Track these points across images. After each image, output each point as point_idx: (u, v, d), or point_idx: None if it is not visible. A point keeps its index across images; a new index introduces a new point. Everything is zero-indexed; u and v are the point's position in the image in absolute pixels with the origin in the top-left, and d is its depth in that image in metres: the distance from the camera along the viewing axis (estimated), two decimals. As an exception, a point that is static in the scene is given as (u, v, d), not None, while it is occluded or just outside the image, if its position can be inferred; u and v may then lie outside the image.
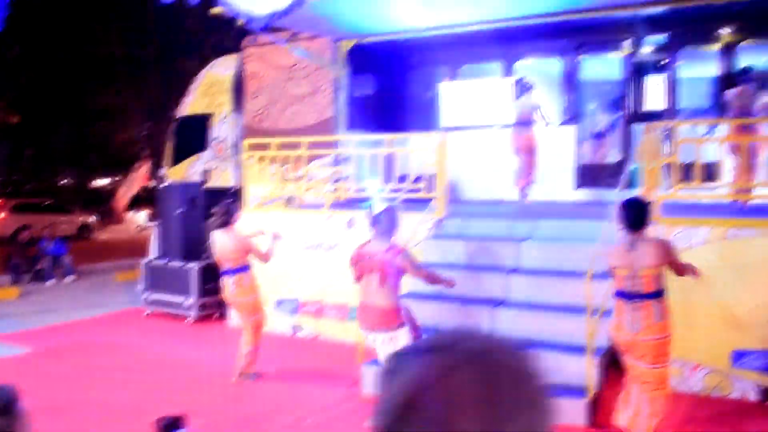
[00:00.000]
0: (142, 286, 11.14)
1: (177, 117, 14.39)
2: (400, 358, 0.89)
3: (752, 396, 6.87)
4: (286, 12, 8.39)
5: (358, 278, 6.03)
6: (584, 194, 10.58)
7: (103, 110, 27.37)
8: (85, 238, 26.93)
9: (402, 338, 5.82)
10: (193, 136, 13.76)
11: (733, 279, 6.93)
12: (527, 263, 7.59)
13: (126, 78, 21.49)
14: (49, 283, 14.92)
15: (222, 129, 13.20)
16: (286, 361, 8.39)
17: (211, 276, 10.52)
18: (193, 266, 10.43)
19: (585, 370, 6.13)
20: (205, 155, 13.57)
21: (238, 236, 7.51)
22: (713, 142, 8.35)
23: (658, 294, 5.14)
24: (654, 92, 11.19)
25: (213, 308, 10.59)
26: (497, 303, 7.23)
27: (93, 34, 21.34)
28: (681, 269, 5.38)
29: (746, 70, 8.56)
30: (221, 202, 7.65)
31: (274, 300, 9.82)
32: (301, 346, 9.23)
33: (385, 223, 5.94)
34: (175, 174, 13.83)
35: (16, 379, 7.21)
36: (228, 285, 7.46)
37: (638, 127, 9.44)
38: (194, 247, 10.73)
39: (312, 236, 9.58)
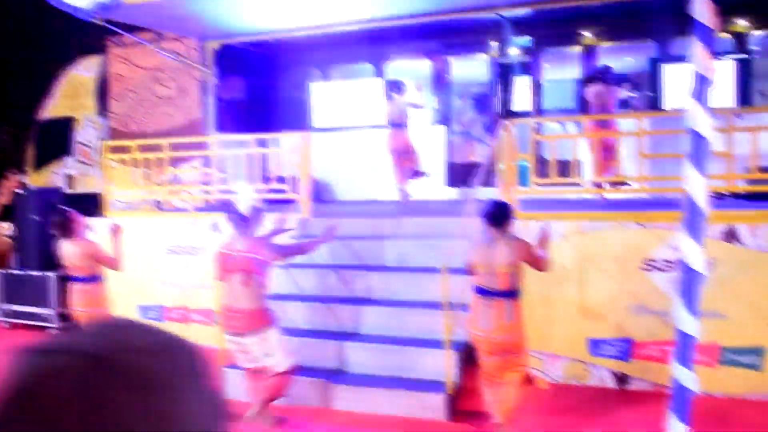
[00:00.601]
0: (0, 297, 10.55)
1: (39, 120, 13.73)
2: (17, 358, 0.80)
3: (609, 383, 7.08)
4: (111, 5, 8.04)
5: (221, 278, 5.94)
6: (454, 192, 10.71)
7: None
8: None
9: (272, 338, 5.80)
10: (56, 140, 13.17)
11: (588, 271, 7.14)
12: (390, 260, 7.60)
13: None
14: None
15: (86, 133, 12.69)
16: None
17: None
18: (52, 276, 9.93)
19: (444, 365, 6.15)
20: (70, 160, 13.01)
21: (84, 244, 7.00)
22: (574, 140, 8.54)
23: (511, 293, 5.24)
24: (520, 93, 11.49)
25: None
26: (361, 301, 7.19)
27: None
28: (539, 263, 5.45)
29: (604, 70, 8.85)
30: (59, 211, 7.25)
31: (137, 306, 9.50)
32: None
33: (247, 222, 5.88)
34: (37, 180, 13.19)
35: None
36: (74, 294, 7.01)
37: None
38: (53, 255, 10.19)
39: (176, 240, 9.31)
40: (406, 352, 6.50)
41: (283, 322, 7.29)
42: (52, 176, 13.03)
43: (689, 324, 2.07)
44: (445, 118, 11.36)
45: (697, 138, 1.98)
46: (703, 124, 2.09)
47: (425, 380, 6.29)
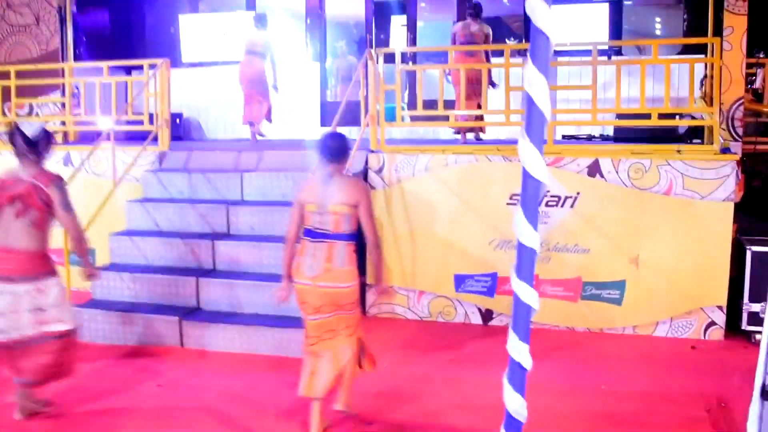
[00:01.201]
0: None
1: None
2: None
3: (475, 319, 7.06)
4: None
5: None
6: (342, 130, 10.39)
7: None
8: None
9: (52, 290, 4.70)
10: None
11: (455, 206, 7.05)
12: (249, 195, 7.28)
13: None
14: None
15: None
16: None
17: None
18: None
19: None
20: None
21: None
22: (441, 74, 8.36)
23: (345, 236, 4.46)
24: (397, 33, 11.26)
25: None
26: (219, 236, 6.86)
27: None
28: (367, 218, 4.49)
29: (474, 6, 8.71)
30: None
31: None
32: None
33: (34, 146, 4.68)
34: None
35: None
36: None
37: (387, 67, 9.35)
38: None
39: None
40: (262, 287, 6.23)
41: (138, 259, 6.94)
42: None
43: (529, 236, 1.89)
44: (320, 55, 11.01)
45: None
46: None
47: (285, 317, 6.06)
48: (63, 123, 9.26)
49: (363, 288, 7.21)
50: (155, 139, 7.96)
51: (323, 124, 10.48)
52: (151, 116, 8.14)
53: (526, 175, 1.90)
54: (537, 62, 1.85)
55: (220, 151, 7.98)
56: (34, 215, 4.61)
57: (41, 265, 4.68)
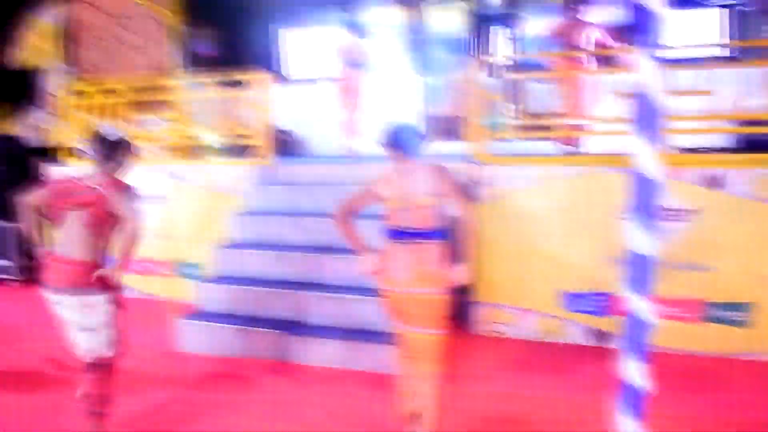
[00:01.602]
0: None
1: (3, 69, 13.18)
2: None
3: (585, 340, 6.71)
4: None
5: (57, 216, 4.37)
6: (436, 147, 10.26)
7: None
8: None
9: (100, 307, 4.30)
10: (22, 90, 12.65)
11: (563, 219, 6.73)
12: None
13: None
14: None
15: (52, 81, 12.17)
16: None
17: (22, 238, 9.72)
18: (10, 226, 9.53)
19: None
20: (36, 110, 12.51)
21: None
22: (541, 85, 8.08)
23: (436, 234, 4.12)
24: (500, 45, 11.01)
25: (35, 271, 9.83)
26: (322, 249, 6.78)
27: None
28: (461, 196, 4.18)
29: (574, 8, 8.38)
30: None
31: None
32: (129, 306, 8.53)
33: (111, 153, 4.42)
34: (2, 131, 12.69)
35: None
36: None
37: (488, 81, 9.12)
38: (13, 205, 9.81)
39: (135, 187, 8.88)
40: (365, 302, 6.09)
41: (241, 271, 6.93)
42: (21, 127, 12.53)
43: (644, 245, 1.65)
44: (421, 69, 10.88)
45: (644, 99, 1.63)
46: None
47: (389, 333, 5.88)
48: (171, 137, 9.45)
49: (467, 306, 7.00)
50: (259, 153, 7.99)
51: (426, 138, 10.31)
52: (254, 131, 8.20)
53: (639, 177, 1.66)
54: (646, 47, 1.62)
55: (322, 165, 7.93)
56: (98, 224, 4.30)
57: (90, 278, 4.25)
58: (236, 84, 9.13)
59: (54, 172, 9.52)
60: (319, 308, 6.30)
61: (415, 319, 4.12)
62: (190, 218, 7.61)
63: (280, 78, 11.10)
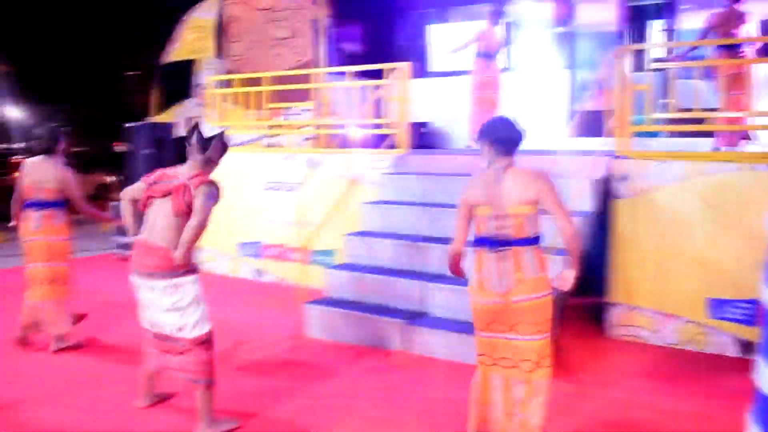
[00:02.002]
0: (114, 230, 10.78)
1: (162, 64, 13.93)
2: None
3: (730, 350, 6.22)
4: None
5: (146, 203, 4.57)
6: (580, 143, 9.88)
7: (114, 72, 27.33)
8: (103, 198, 26.84)
9: (189, 288, 4.49)
10: (178, 83, 13.31)
11: (712, 220, 6.27)
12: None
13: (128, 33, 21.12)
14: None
15: (205, 75, 12.70)
16: (245, 305, 7.96)
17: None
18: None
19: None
20: (190, 102, 13.12)
21: (61, 167, 6.38)
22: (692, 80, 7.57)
23: (531, 240, 3.87)
24: (654, 39, 10.48)
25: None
26: (450, 241, 6.62)
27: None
28: (557, 209, 3.83)
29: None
30: (48, 126, 6.68)
31: (237, 243, 9.41)
32: (262, 291, 8.78)
33: (204, 146, 4.58)
34: (159, 120, 13.40)
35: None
36: (33, 219, 6.23)
37: (638, 75, 8.68)
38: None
39: (275, 176, 9.09)
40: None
41: (370, 260, 6.93)
42: (174, 118, 13.18)
43: None
44: (569, 64, 10.51)
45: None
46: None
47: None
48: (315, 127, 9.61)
49: (602, 307, 6.67)
50: (394, 143, 7.97)
51: (574, 134, 9.98)
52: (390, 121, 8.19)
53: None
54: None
55: (455, 156, 7.81)
56: (179, 214, 4.43)
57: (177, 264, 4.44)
58: (377, 76, 9.18)
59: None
60: (444, 300, 6.17)
61: (518, 327, 3.86)
62: (325, 206, 7.68)
63: (423, 71, 11.05)
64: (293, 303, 7.26)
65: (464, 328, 5.85)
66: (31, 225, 6.23)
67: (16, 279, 7.24)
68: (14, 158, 34.48)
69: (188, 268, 4.50)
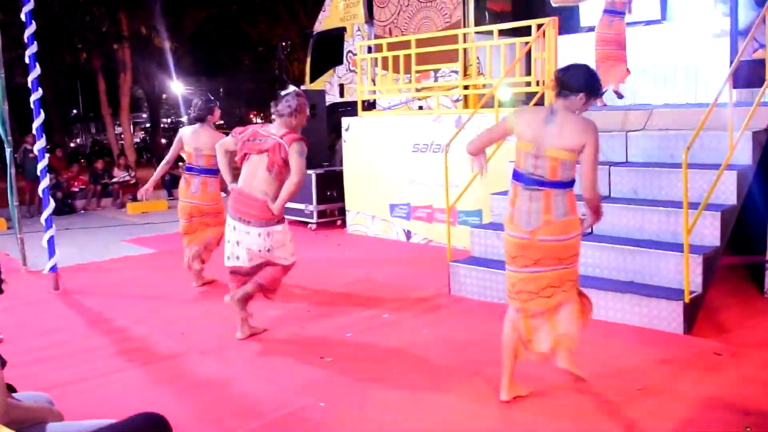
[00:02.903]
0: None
1: (314, 33, 14.29)
2: None
3: None
4: None
5: (243, 158, 5.37)
6: (741, 94, 9.30)
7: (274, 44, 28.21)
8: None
9: (280, 234, 5.31)
10: (329, 50, 13.62)
11: None
12: (635, 156, 6.79)
13: (286, 7, 21.70)
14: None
15: (355, 42, 12.94)
16: (394, 264, 8.18)
17: (330, 184, 10.53)
18: (312, 174, 10.36)
19: (683, 271, 5.31)
20: (341, 69, 13.41)
21: (216, 134, 6.94)
22: None
23: (564, 184, 3.88)
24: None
25: (334, 215, 10.75)
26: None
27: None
28: (588, 168, 3.86)
29: None
30: (202, 96, 7.34)
31: (388, 203, 9.62)
32: (411, 251, 8.96)
33: (288, 104, 5.25)
34: (312, 87, 13.80)
35: (134, 272, 7.57)
36: (192, 183, 7.07)
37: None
38: (314, 155, 10.72)
39: (423, 138, 9.19)
40: (642, 254, 5.75)
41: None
42: (325, 86, 13.54)
43: None
44: (730, 7, 9.83)
45: None
46: None
47: (662, 287, 5.54)
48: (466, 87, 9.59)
49: (762, 266, 6.33)
50: (541, 101, 7.84)
51: (736, 85, 9.39)
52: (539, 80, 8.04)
53: None
54: None
55: (606, 111, 7.57)
56: (276, 169, 5.16)
57: (272, 214, 5.23)
58: (526, 34, 9.02)
59: (354, 123, 10.16)
60: (593, 259, 6.05)
61: (542, 262, 3.94)
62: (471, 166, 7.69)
63: (575, 27, 10.72)
64: (440, 262, 7.37)
65: (615, 286, 5.74)
66: (190, 188, 7.03)
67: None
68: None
69: (281, 217, 5.31)
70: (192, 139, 7.04)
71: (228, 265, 5.48)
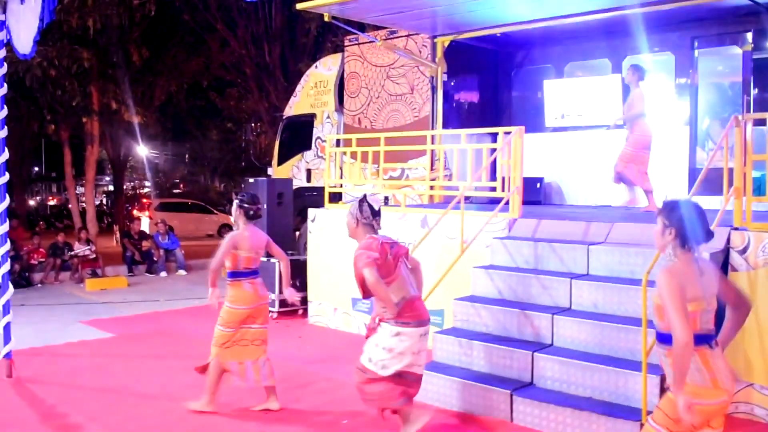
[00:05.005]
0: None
1: (284, 117, 14.50)
2: None
3: None
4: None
5: (392, 272, 5.38)
6: (701, 201, 9.57)
7: (243, 118, 28.51)
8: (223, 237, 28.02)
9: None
10: (298, 135, 13.81)
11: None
12: (596, 269, 6.92)
13: (256, 83, 22.03)
14: (162, 275, 15.49)
15: (325, 129, 13.15)
16: (351, 362, 8.12)
17: (294, 272, 10.48)
18: (276, 262, 10.36)
19: (641, 390, 5.40)
20: (309, 155, 13.57)
21: (261, 232, 6.72)
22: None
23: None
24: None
25: (296, 305, 10.58)
26: (560, 311, 6.60)
27: (224, 43, 22.00)
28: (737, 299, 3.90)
29: None
30: (246, 191, 7.00)
31: (350, 298, 9.62)
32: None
33: (378, 214, 5.67)
34: (280, 173, 13.93)
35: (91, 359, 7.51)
36: (258, 287, 6.47)
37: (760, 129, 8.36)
38: (279, 242, 10.73)
39: (387, 234, 9.26)
40: (601, 371, 5.83)
41: (477, 326, 6.96)
42: (292, 170, 13.67)
43: None
44: (690, 119, 10.24)
45: None
46: None
47: (620, 405, 5.61)
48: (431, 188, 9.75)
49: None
50: (507, 205, 8.00)
51: (693, 192, 9.69)
52: (503, 182, 8.21)
53: None
54: None
55: (569, 221, 7.74)
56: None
57: None
58: (493, 134, 9.26)
59: (320, 215, 10.23)
60: (552, 372, 6.12)
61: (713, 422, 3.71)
62: (435, 267, 7.77)
63: (539, 126, 11.05)
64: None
65: (574, 402, 5.79)
66: (259, 292, 6.50)
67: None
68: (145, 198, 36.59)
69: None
70: (254, 242, 6.50)
71: (418, 373, 5.50)
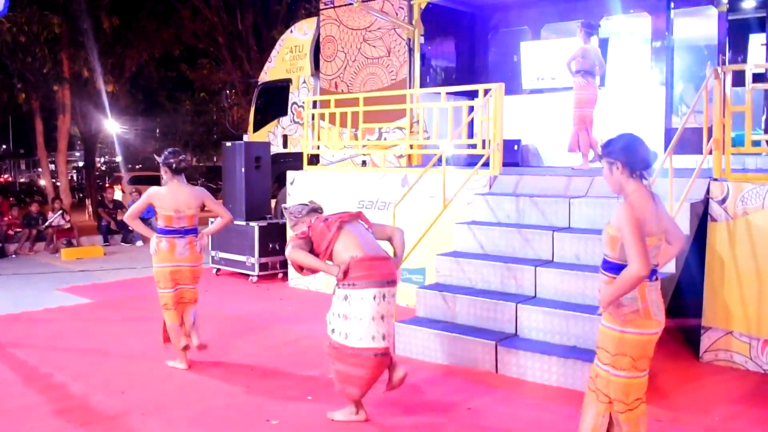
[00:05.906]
0: (211, 245, 11.16)
1: (259, 83, 14.37)
2: None
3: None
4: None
5: (330, 235, 5.02)
6: (677, 161, 9.67)
7: (215, 89, 28.21)
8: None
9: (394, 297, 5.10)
10: (274, 101, 13.71)
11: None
12: (577, 222, 6.99)
13: (229, 52, 21.81)
14: (138, 244, 15.39)
15: (301, 94, 13.06)
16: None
17: (272, 236, 10.49)
18: (255, 226, 10.35)
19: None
20: (285, 120, 13.48)
21: (194, 189, 6.49)
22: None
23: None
24: (755, 53, 10.19)
25: (275, 268, 10.64)
26: (542, 263, 6.66)
27: (196, 10, 21.74)
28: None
29: None
30: (173, 148, 6.71)
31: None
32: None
33: None
34: (256, 139, 13.81)
35: (71, 323, 7.45)
36: (176, 247, 6.25)
37: (736, 90, 8.44)
38: (257, 207, 10.74)
39: (368, 195, 9.27)
40: (585, 320, 5.90)
41: (461, 280, 7.01)
42: (268, 136, 13.58)
43: None
44: (666, 80, 10.30)
45: None
46: None
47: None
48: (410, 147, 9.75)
49: (696, 331, 6.57)
50: (487, 163, 8.02)
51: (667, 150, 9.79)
52: (484, 141, 8.23)
53: None
54: None
55: (549, 176, 7.80)
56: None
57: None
58: (471, 95, 9.26)
59: (299, 177, 10.20)
60: (536, 322, 6.19)
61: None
62: (417, 225, 7.80)
63: (516, 88, 11.05)
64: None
65: (558, 351, 5.86)
66: (176, 250, 6.31)
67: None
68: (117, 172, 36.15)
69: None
70: (175, 200, 6.25)
71: (374, 347, 4.89)
